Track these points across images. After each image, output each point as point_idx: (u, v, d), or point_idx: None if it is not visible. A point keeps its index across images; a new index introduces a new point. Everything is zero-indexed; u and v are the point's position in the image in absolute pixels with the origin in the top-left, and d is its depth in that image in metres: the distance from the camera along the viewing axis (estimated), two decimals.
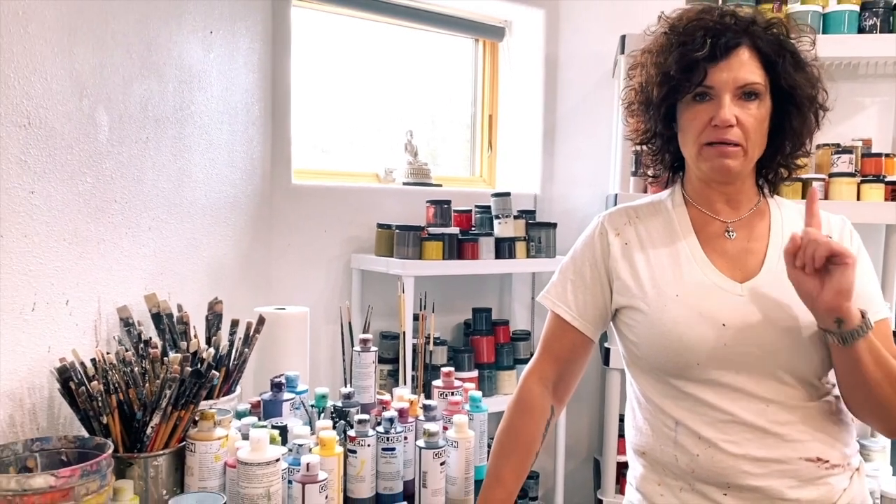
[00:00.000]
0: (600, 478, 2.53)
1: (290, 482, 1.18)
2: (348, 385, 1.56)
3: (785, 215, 1.28)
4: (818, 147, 2.38)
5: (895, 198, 2.19)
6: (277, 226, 2.17)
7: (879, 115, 2.54)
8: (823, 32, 2.18)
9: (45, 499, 0.96)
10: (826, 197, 2.22)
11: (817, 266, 1.05)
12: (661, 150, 1.31)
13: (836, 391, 1.21)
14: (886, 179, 2.22)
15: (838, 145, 2.33)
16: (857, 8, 2.17)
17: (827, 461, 1.17)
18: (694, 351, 1.17)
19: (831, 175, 2.23)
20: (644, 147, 1.32)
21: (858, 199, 2.20)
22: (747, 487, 1.16)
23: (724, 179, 1.23)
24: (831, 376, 1.20)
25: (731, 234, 1.25)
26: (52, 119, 1.25)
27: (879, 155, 2.30)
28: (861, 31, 2.16)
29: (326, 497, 1.16)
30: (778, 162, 1.27)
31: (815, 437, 1.17)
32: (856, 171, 2.28)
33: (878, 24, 2.14)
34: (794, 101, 1.21)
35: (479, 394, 1.55)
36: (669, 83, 1.19)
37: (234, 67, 1.90)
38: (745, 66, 1.17)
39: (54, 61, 1.25)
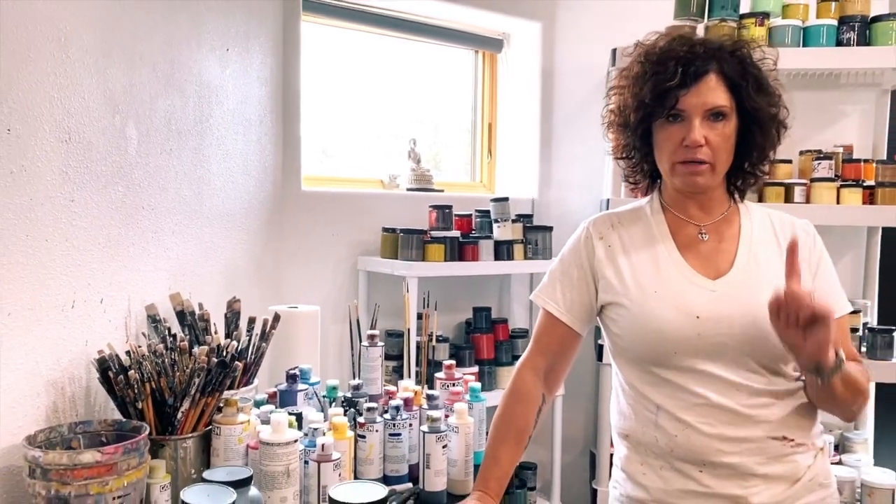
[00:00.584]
0: (595, 469, 2.65)
1: (306, 462, 1.31)
2: (357, 377, 1.69)
3: (753, 218, 1.41)
4: (801, 153, 2.51)
5: (872, 201, 2.31)
6: (288, 230, 2.30)
7: (860, 121, 2.66)
8: (804, 45, 2.31)
9: (92, 472, 1.09)
10: (808, 200, 2.34)
11: (801, 324, 1.14)
12: (639, 163, 1.43)
13: (799, 383, 1.34)
14: (864, 184, 2.34)
15: (820, 151, 2.46)
16: (835, 22, 2.29)
17: (793, 440, 1.30)
18: (671, 341, 1.29)
19: (812, 180, 2.35)
20: (623, 161, 1.45)
21: (838, 202, 2.32)
22: (721, 464, 1.28)
23: (694, 192, 1.36)
24: (795, 370, 1.33)
25: (703, 236, 1.38)
26: (90, 134, 1.38)
27: (858, 161, 2.42)
28: (839, 43, 2.28)
29: (340, 475, 1.29)
30: (745, 171, 1.40)
31: (782, 419, 1.29)
32: (836, 175, 2.40)
33: (855, 37, 2.26)
34: (757, 119, 1.34)
35: (478, 385, 1.68)
36: (645, 109, 1.32)
37: (248, 82, 2.03)
38: (712, 91, 1.30)
39: (91, 82, 1.38)
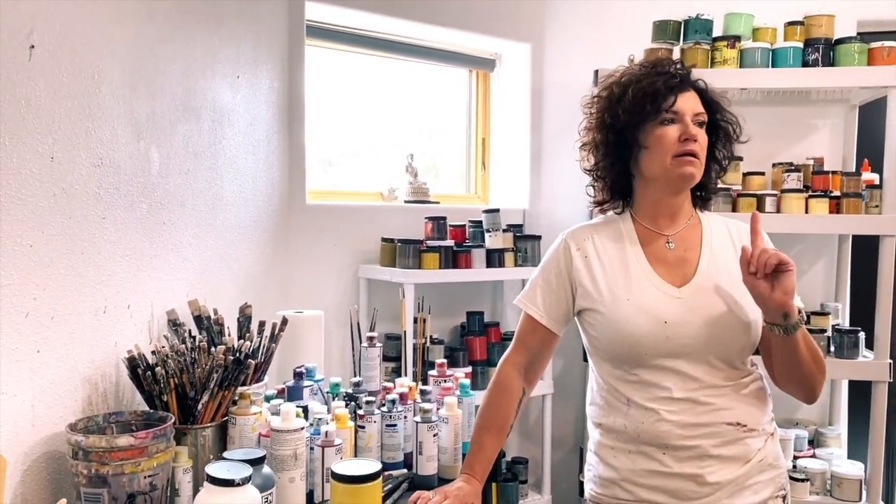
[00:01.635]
0: (584, 464, 2.80)
1: (311, 448, 1.47)
2: (357, 375, 1.86)
3: (713, 227, 1.58)
4: (774, 166, 2.67)
5: (838, 210, 2.47)
6: (295, 240, 2.47)
7: (831, 135, 2.83)
8: (773, 66, 2.47)
9: (126, 454, 1.26)
10: (778, 210, 2.50)
11: (768, 271, 1.33)
12: (614, 179, 1.60)
13: (757, 373, 1.51)
14: (831, 194, 2.51)
15: (791, 164, 2.62)
16: (801, 45, 2.45)
17: (745, 426, 1.46)
18: (642, 343, 1.45)
19: (783, 191, 2.52)
20: (599, 175, 1.61)
21: (807, 211, 2.48)
22: (681, 447, 1.45)
23: (686, 186, 1.51)
24: (754, 359, 1.50)
25: (670, 244, 1.55)
26: (118, 159, 1.55)
27: (827, 172, 2.59)
28: (805, 64, 2.45)
29: (341, 458, 1.45)
30: (707, 184, 1.58)
31: (736, 407, 1.46)
32: (806, 186, 2.57)
33: (820, 58, 2.43)
34: (723, 134, 1.53)
35: (468, 381, 1.85)
36: (651, 100, 1.46)
37: (256, 105, 2.21)
38: (695, 100, 1.49)
39: (119, 112, 1.55)
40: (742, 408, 1.47)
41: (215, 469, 1.13)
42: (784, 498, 1.54)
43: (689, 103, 1.47)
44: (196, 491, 1.33)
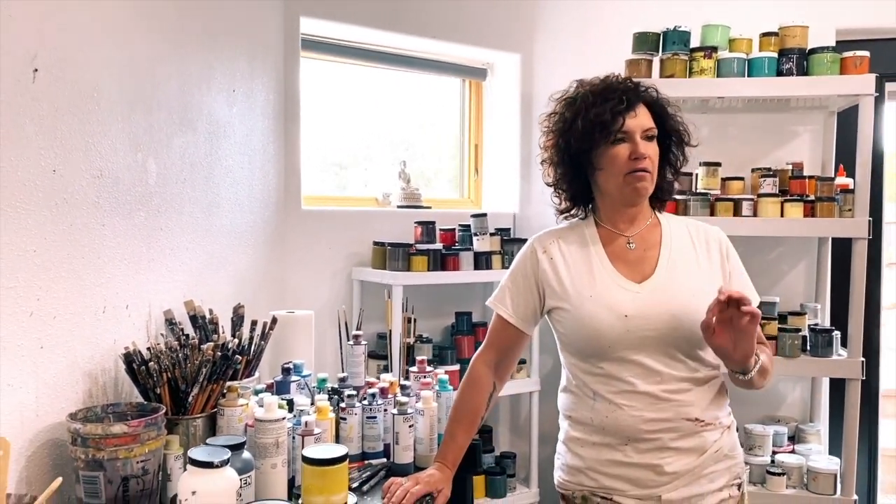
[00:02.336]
0: None
1: (293, 437, 1.59)
2: (343, 371, 1.98)
3: (672, 228, 1.68)
4: (753, 171, 2.76)
5: (813, 214, 2.56)
6: (289, 245, 2.59)
7: (811, 141, 2.92)
8: (749, 75, 2.57)
9: (120, 441, 1.38)
10: (755, 214, 2.60)
11: (745, 309, 1.41)
12: (576, 190, 1.71)
13: (717, 369, 1.62)
14: (806, 199, 2.60)
15: (769, 169, 2.71)
16: (775, 55, 2.55)
17: (702, 420, 1.57)
18: (606, 336, 1.56)
19: (759, 195, 2.61)
20: (560, 188, 1.72)
21: (782, 215, 2.57)
22: (642, 440, 1.56)
23: (637, 200, 1.63)
24: (711, 356, 1.60)
25: (631, 245, 1.66)
26: (117, 170, 1.68)
27: (803, 177, 2.68)
28: (780, 73, 2.54)
29: None
30: (664, 187, 1.68)
31: (694, 403, 1.57)
32: (782, 191, 2.65)
33: (794, 68, 2.52)
34: (675, 140, 1.64)
35: (446, 377, 1.96)
36: (595, 131, 1.58)
37: (252, 117, 2.34)
38: (645, 116, 1.60)
39: (117, 126, 1.68)
40: (701, 404, 1.58)
41: (197, 452, 1.25)
42: (739, 486, 1.64)
43: (637, 122, 1.57)
44: None
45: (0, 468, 1.16)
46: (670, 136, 1.63)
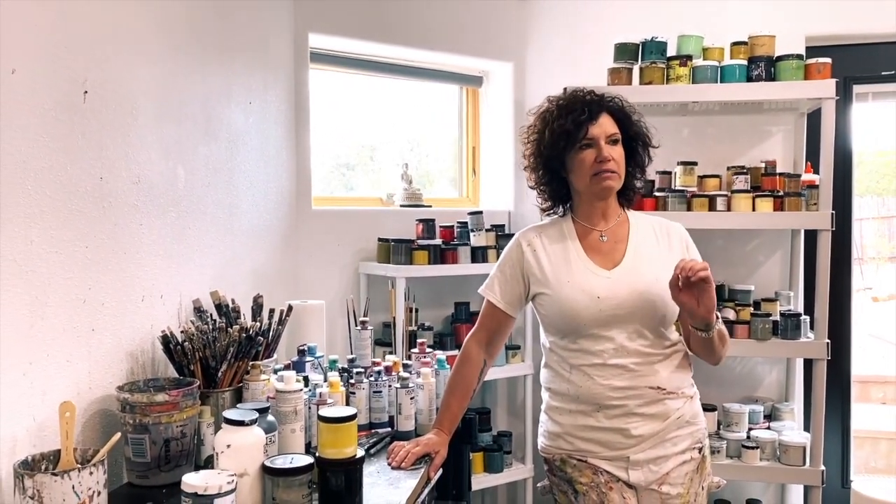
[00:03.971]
0: None
1: (309, 407, 1.83)
2: (352, 353, 2.21)
3: (639, 223, 1.92)
4: (727, 169, 2.99)
5: (782, 208, 2.78)
6: (302, 242, 2.83)
7: (783, 140, 3.14)
8: (721, 81, 2.79)
9: (163, 408, 1.62)
10: (729, 209, 2.82)
11: (692, 276, 1.65)
12: (554, 191, 1.94)
13: (680, 344, 1.85)
14: (777, 194, 2.81)
15: (742, 167, 2.93)
16: (745, 62, 2.77)
17: (665, 389, 1.80)
18: (581, 315, 1.80)
19: (732, 191, 2.83)
20: (541, 190, 1.96)
21: (754, 209, 2.80)
22: (611, 406, 1.79)
23: (606, 196, 1.86)
24: (675, 335, 1.83)
25: (603, 238, 1.89)
26: (151, 176, 1.92)
27: (774, 174, 2.90)
28: (750, 79, 2.76)
29: None
30: (630, 187, 1.92)
31: (658, 373, 1.80)
32: (754, 187, 2.88)
33: (763, 73, 2.75)
34: (638, 143, 1.87)
35: (444, 357, 2.19)
36: (564, 139, 1.83)
37: (266, 126, 2.58)
38: (607, 123, 1.83)
39: (152, 138, 1.92)
40: (663, 374, 1.81)
41: (231, 413, 1.49)
42: (700, 450, 1.87)
43: (600, 129, 1.80)
44: None
45: (69, 426, 1.40)
46: (634, 139, 1.86)
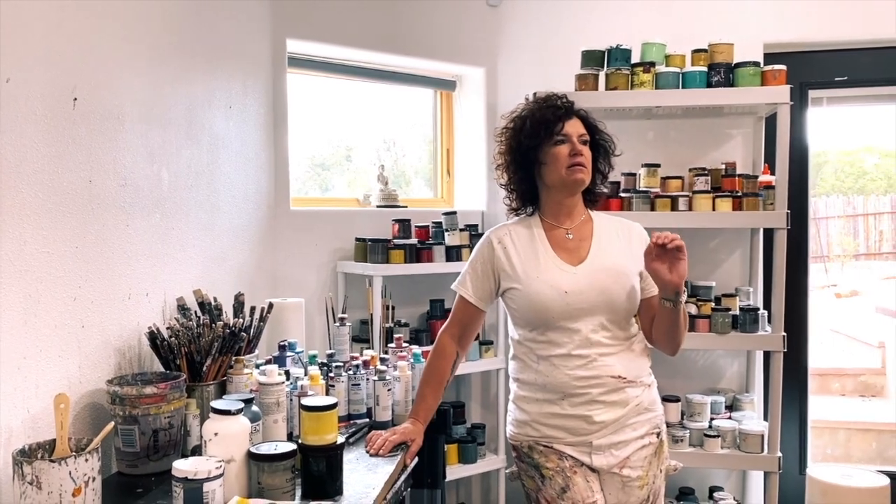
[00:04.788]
0: None
1: (291, 399, 1.92)
2: (331, 348, 2.31)
3: (602, 223, 2.04)
4: (689, 170, 3.12)
5: (741, 208, 2.92)
6: (281, 241, 2.92)
7: (743, 142, 3.28)
8: (683, 87, 2.92)
9: (151, 400, 1.70)
10: (690, 208, 2.95)
11: (667, 241, 1.79)
12: (525, 190, 2.05)
13: (640, 336, 1.97)
14: (735, 194, 2.95)
15: (703, 169, 3.07)
16: (705, 69, 2.90)
17: (625, 378, 1.92)
18: (550, 309, 1.91)
19: (694, 192, 2.97)
20: (511, 189, 2.07)
21: (714, 209, 2.93)
22: (575, 394, 1.90)
23: (577, 189, 1.97)
24: (634, 328, 1.95)
25: (569, 235, 2.00)
26: (137, 179, 2.00)
27: (734, 175, 3.04)
28: (709, 85, 2.90)
29: None
30: (594, 189, 2.03)
31: (619, 363, 1.91)
32: (714, 188, 3.01)
33: (722, 79, 2.88)
34: (602, 149, 1.99)
35: (419, 351, 2.29)
36: (541, 133, 1.94)
37: (246, 130, 2.66)
38: (579, 125, 1.95)
39: (137, 143, 2.00)
40: (624, 364, 1.93)
41: (218, 403, 1.58)
42: (658, 434, 1.99)
43: (574, 128, 1.93)
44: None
45: (63, 417, 1.48)
46: (598, 148, 1.98)
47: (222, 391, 1.94)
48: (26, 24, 1.58)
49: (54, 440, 1.49)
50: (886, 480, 3.17)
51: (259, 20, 2.79)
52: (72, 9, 1.72)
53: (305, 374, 2.07)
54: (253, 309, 2.25)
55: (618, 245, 2.00)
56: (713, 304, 2.99)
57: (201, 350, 1.91)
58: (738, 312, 2.97)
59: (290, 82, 2.98)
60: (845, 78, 3.30)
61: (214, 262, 2.42)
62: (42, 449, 1.48)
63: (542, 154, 1.96)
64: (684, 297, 1.88)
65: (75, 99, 1.74)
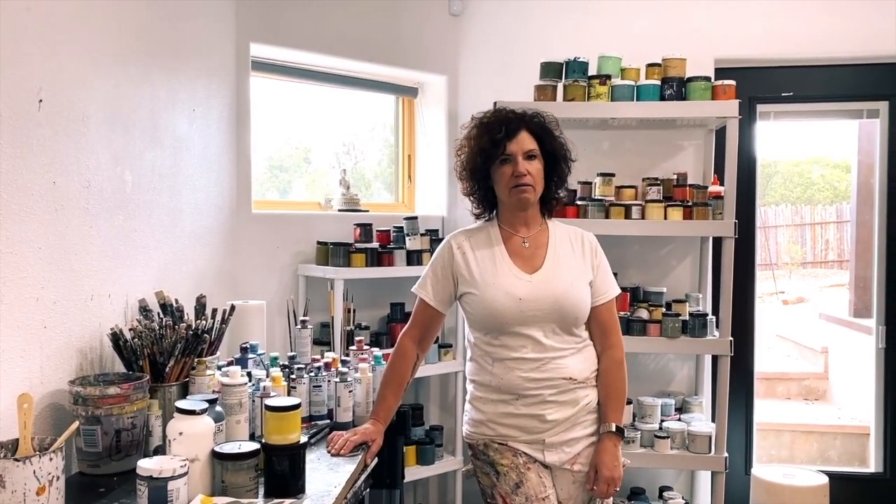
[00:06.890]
0: None
1: (253, 400, 1.95)
2: (293, 350, 2.34)
3: (557, 232, 2.11)
4: (643, 180, 3.23)
5: (691, 217, 3.03)
6: (242, 244, 2.93)
7: (694, 154, 3.40)
8: (637, 100, 3.02)
9: (114, 400, 1.72)
10: (643, 217, 3.06)
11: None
12: (484, 198, 2.12)
13: (588, 341, 2.05)
14: (686, 204, 3.07)
15: (656, 178, 3.17)
16: (658, 82, 3.01)
17: (575, 379, 1.99)
18: (504, 315, 1.97)
19: (647, 201, 3.07)
20: (472, 198, 2.13)
21: (665, 218, 3.04)
22: (528, 395, 1.97)
23: (524, 207, 2.04)
24: (584, 333, 2.03)
25: (525, 243, 2.07)
26: (100, 181, 2.01)
27: (685, 185, 3.15)
28: (663, 98, 3.00)
29: None
30: (550, 197, 2.10)
31: (569, 366, 1.99)
32: (666, 197, 3.12)
33: (675, 93, 2.99)
34: (555, 158, 2.06)
35: (380, 354, 2.34)
36: (485, 155, 2.01)
37: (209, 133, 2.68)
38: (525, 140, 2.01)
39: (101, 145, 2.01)
40: (574, 366, 2.00)
41: (182, 403, 1.60)
42: None
43: (518, 145, 1.99)
44: (165, 432, 1.79)
45: (27, 417, 1.49)
46: (553, 153, 2.05)
47: (185, 392, 1.96)
48: None
49: (17, 440, 1.50)
50: (825, 479, 3.31)
51: (223, 23, 2.81)
52: (38, 10, 1.73)
53: (267, 376, 2.10)
54: (215, 311, 2.27)
55: (571, 254, 2.07)
56: (664, 310, 3.10)
57: (164, 351, 1.93)
58: (687, 318, 3.07)
59: (253, 86, 2.99)
60: (791, 94, 3.44)
61: (176, 264, 2.44)
62: (5, 448, 1.49)
63: (492, 174, 2.03)
64: (612, 426, 2.03)
65: (40, 101, 1.75)
